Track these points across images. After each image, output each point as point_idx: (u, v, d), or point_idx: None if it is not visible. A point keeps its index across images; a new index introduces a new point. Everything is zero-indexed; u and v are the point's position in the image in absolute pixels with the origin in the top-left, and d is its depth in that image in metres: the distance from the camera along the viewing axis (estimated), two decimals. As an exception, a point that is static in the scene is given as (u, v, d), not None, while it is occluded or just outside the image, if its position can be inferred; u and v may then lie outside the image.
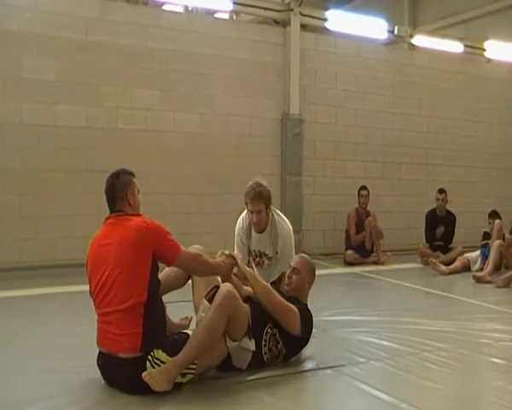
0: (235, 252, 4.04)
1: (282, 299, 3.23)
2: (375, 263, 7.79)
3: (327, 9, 9.06)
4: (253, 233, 4.17)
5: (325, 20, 8.81)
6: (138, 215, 2.96)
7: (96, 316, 2.92)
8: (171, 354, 2.79)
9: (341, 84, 8.79)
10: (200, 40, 7.65)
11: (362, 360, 3.50)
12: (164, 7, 8.28)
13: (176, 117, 7.50)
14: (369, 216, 7.96)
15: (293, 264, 3.49)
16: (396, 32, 9.32)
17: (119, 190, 2.96)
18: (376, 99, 9.08)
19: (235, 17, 9.97)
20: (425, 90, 9.48)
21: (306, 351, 3.30)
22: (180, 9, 9.05)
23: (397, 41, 9.80)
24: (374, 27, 9.12)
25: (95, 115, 7.03)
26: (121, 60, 7.13)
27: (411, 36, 9.58)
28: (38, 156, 6.68)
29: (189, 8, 9.51)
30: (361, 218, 7.99)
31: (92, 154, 6.94)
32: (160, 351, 2.80)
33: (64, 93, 6.83)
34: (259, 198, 3.92)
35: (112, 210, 2.98)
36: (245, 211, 4.18)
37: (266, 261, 4.17)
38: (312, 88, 8.59)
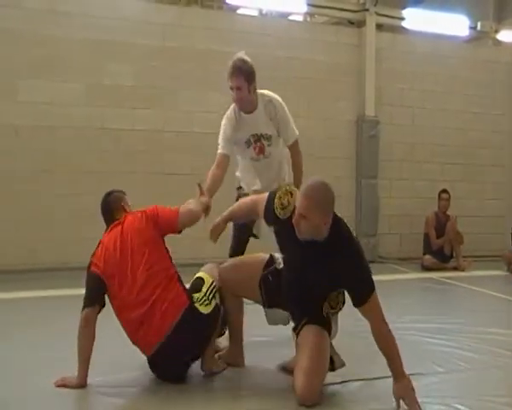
0: (220, 144, 3.84)
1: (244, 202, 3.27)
2: (455, 269, 7.48)
3: (404, 8, 8.82)
4: (244, 117, 3.77)
5: (402, 19, 8.59)
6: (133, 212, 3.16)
7: (130, 327, 2.97)
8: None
9: (419, 84, 8.51)
10: (275, 43, 7.65)
11: (441, 369, 3.34)
12: (238, 11, 8.36)
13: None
14: (449, 220, 7.67)
15: (299, 209, 2.64)
16: (479, 27, 8.93)
17: (113, 203, 3.21)
18: (457, 99, 8.72)
19: (309, 19, 9.91)
20: (511, 88, 9.01)
21: (381, 357, 3.18)
22: (254, 13, 9.10)
23: (480, 37, 9.38)
24: (454, 24, 8.77)
25: (171, 119, 7.19)
26: (197, 64, 7.25)
27: (496, 31, 9.12)
28: (117, 159, 6.91)
29: (264, 12, 9.55)
30: (440, 222, 7.70)
31: (169, 157, 7.10)
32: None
33: (142, 98, 7.04)
34: (238, 72, 3.61)
35: (110, 219, 3.17)
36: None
37: (266, 143, 3.79)
38: (388, 89, 8.39)
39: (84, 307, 2.96)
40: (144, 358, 3.05)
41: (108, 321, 3.04)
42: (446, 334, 4.12)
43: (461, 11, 9.01)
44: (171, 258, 3.08)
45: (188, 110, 7.27)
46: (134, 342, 3.03)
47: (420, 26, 8.60)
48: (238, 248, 3.91)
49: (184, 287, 3.02)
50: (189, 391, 2.96)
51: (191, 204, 3.22)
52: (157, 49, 7.10)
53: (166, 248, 3.10)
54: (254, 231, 3.88)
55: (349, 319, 3.19)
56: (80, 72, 6.82)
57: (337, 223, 2.72)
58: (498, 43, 9.27)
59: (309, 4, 7.99)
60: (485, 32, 9.16)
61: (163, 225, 3.08)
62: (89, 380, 2.95)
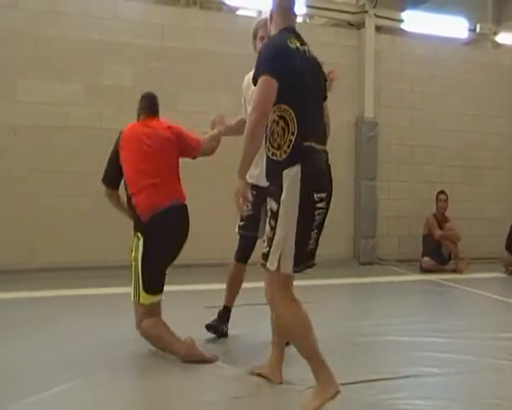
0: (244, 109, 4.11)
1: None
2: (454, 271, 7.48)
3: (403, 10, 8.82)
4: None
5: (401, 21, 8.59)
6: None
7: (140, 186, 3.51)
8: None
9: (418, 86, 8.52)
10: (274, 44, 7.63)
11: (438, 371, 3.34)
12: (237, 12, 8.35)
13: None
14: (448, 222, 7.71)
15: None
16: (478, 29, 8.93)
17: (157, 105, 3.92)
18: (455, 101, 8.72)
19: (308, 20, 9.90)
20: (510, 90, 9.02)
21: (379, 359, 3.18)
22: (253, 14, 9.09)
23: (479, 40, 9.38)
24: (453, 27, 8.78)
25: (170, 120, 7.15)
26: (196, 65, 7.25)
27: (495, 33, 9.13)
28: (116, 160, 6.89)
29: (263, 13, 9.53)
30: (439, 223, 7.73)
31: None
32: None
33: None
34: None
35: (152, 112, 3.85)
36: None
37: None
38: (387, 91, 8.39)
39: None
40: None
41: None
42: (444, 336, 4.13)
43: (460, 13, 9.02)
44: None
45: (187, 111, 7.24)
46: (135, 204, 3.51)
47: (419, 29, 8.60)
48: (245, 253, 3.90)
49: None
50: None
51: (209, 138, 3.86)
52: (156, 49, 7.09)
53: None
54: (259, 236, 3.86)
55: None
56: (79, 72, 6.81)
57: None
58: (497, 45, 9.27)
59: (308, 6, 7.98)
60: (484, 35, 9.15)
61: (183, 147, 3.69)
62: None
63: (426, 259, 7.59)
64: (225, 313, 3.93)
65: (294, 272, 2.63)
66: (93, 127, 6.86)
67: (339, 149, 8.01)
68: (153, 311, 3.46)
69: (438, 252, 7.64)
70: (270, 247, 2.62)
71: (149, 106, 3.83)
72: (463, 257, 7.62)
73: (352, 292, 6.29)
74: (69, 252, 6.63)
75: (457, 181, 8.68)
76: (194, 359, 3.32)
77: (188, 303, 4.78)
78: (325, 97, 2.92)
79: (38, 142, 6.64)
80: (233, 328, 3.95)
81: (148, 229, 3.44)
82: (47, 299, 5.14)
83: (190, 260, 6.94)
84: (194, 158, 3.80)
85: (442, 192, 7.85)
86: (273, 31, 2.89)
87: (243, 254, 3.90)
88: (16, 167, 6.54)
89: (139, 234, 3.48)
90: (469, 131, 8.82)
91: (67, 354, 3.43)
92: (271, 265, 2.59)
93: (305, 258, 2.65)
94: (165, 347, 3.39)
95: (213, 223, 6.70)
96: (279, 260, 2.58)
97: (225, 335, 3.92)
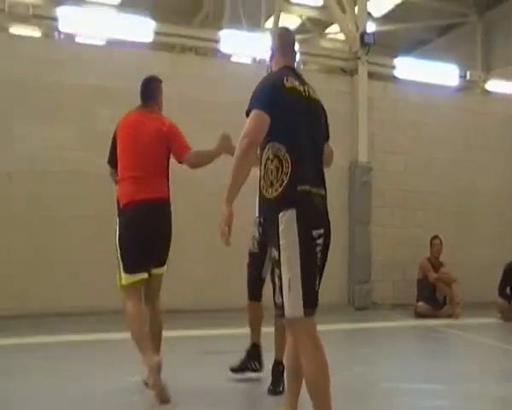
0: None
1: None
2: (449, 316, 7.40)
3: (395, 57, 9.01)
4: None
5: (393, 67, 8.76)
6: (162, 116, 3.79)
7: (122, 176, 3.60)
8: None
9: (411, 132, 8.63)
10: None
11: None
12: (232, 58, 8.49)
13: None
14: (442, 267, 7.68)
15: None
16: (468, 76, 9.11)
17: (157, 90, 3.85)
18: (448, 147, 8.83)
19: (302, 66, 10.07)
20: (502, 138, 9.14)
21: (377, 406, 3.10)
22: (248, 60, 9.24)
23: (469, 87, 9.57)
24: (444, 73, 8.96)
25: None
26: (191, 110, 7.28)
27: (485, 81, 9.32)
28: (111, 204, 6.85)
29: (257, 59, 9.69)
30: (434, 268, 7.70)
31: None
32: None
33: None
34: None
35: (144, 101, 3.78)
36: None
37: None
38: (381, 136, 8.49)
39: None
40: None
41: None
42: (441, 382, 4.03)
43: (451, 61, 9.23)
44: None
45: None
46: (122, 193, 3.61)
47: (411, 75, 8.77)
48: (253, 290, 3.90)
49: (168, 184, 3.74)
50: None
51: (201, 152, 3.72)
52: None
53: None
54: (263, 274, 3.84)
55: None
56: (74, 117, 6.86)
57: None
58: (487, 92, 9.45)
59: (302, 52, 8.13)
60: (474, 82, 9.34)
61: (172, 147, 3.64)
62: None
63: (421, 304, 7.52)
64: (254, 351, 3.91)
65: (308, 314, 2.54)
66: (87, 172, 6.84)
67: (332, 194, 7.86)
68: (134, 293, 3.49)
69: (432, 296, 7.58)
70: (281, 296, 2.58)
71: (142, 93, 3.83)
72: (459, 301, 7.56)
73: (347, 338, 6.19)
74: (65, 297, 6.52)
75: (450, 226, 8.69)
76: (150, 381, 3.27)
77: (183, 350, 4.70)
78: (327, 138, 2.92)
79: (33, 186, 6.64)
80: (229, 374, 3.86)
81: (120, 216, 3.59)
82: (43, 345, 4.99)
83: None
84: (180, 162, 3.75)
85: (436, 237, 7.85)
86: (274, 68, 2.93)
87: (251, 292, 3.92)
88: (10, 212, 6.51)
89: (117, 219, 3.63)
90: (462, 177, 8.90)
91: (65, 402, 3.33)
92: (286, 313, 2.55)
93: (314, 298, 2.59)
94: (136, 347, 3.41)
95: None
96: (289, 306, 2.53)
97: (259, 370, 3.87)
